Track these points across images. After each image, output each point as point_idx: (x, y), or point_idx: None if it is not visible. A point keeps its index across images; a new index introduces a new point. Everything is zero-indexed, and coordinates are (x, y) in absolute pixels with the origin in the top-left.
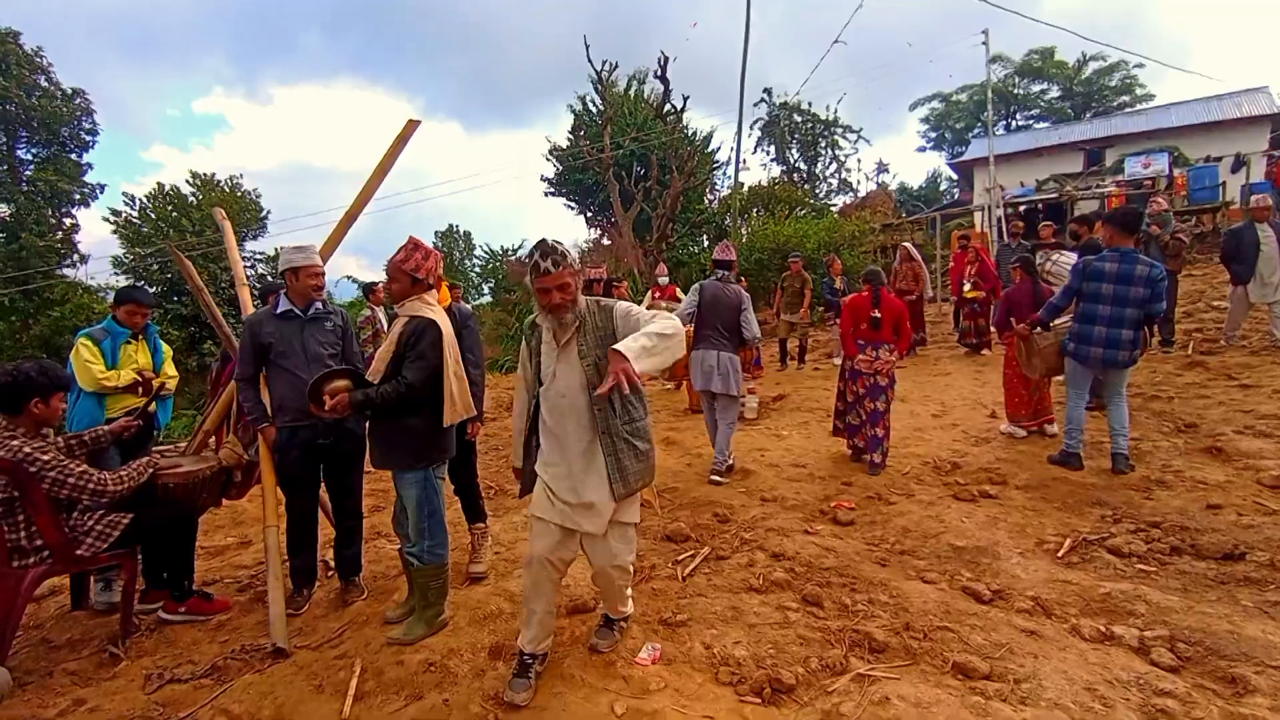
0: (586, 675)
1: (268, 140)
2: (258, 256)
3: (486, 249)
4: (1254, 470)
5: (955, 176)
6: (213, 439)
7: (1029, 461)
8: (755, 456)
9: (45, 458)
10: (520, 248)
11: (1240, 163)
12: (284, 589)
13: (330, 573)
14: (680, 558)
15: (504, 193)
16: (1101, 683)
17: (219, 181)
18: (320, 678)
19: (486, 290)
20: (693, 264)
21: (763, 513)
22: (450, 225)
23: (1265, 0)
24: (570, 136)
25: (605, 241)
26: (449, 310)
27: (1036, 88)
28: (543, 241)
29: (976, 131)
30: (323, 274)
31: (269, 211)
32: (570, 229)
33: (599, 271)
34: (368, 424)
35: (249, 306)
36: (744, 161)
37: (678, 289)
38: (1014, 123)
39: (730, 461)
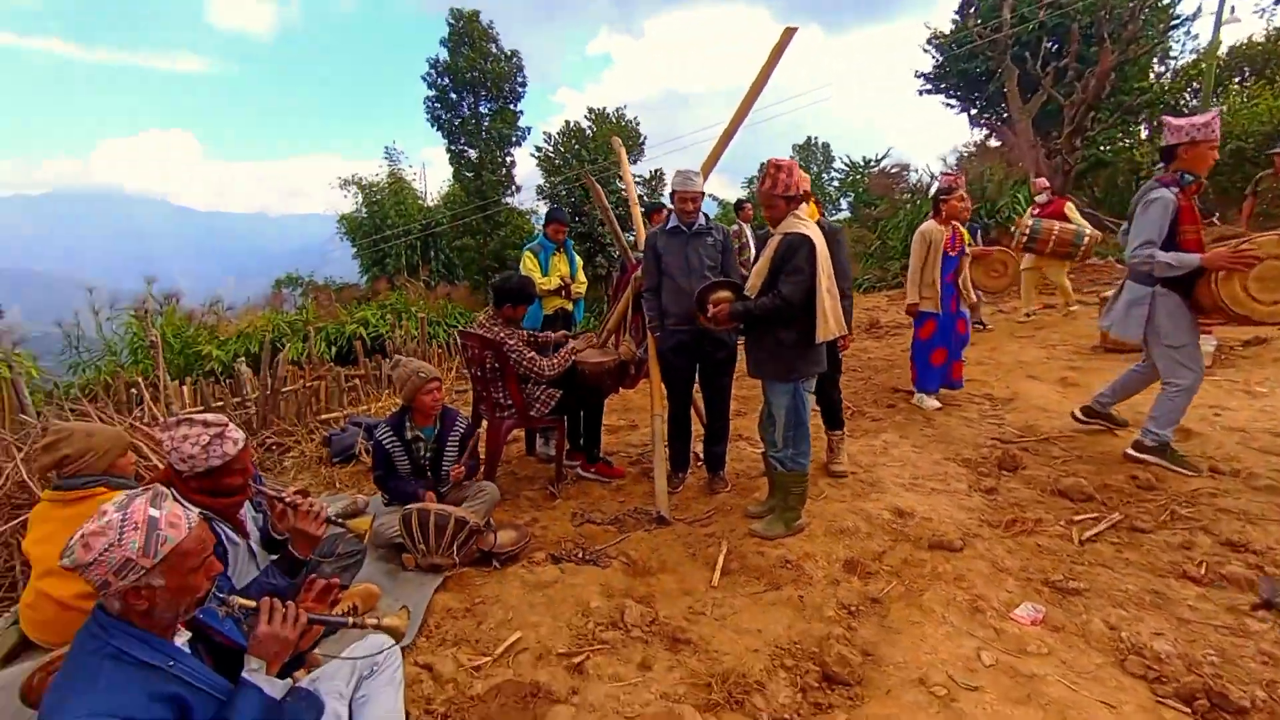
0: (949, 614)
1: (643, 72)
2: (636, 179)
3: (846, 160)
4: None
5: None
6: (612, 338)
7: None
8: (1204, 415)
9: (512, 342)
10: (884, 157)
11: None
12: (665, 469)
13: (699, 463)
14: (1079, 518)
15: (863, 99)
16: None
17: (608, 114)
18: (694, 548)
19: (845, 205)
20: (1120, 163)
21: (1212, 487)
22: (809, 138)
23: None
24: (956, 18)
25: (994, 143)
26: (818, 224)
27: None
28: None
29: None
30: (693, 197)
31: (646, 137)
32: (947, 132)
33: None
34: (742, 335)
35: (639, 221)
36: (1231, 9)
37: (1069, 204)
38: None
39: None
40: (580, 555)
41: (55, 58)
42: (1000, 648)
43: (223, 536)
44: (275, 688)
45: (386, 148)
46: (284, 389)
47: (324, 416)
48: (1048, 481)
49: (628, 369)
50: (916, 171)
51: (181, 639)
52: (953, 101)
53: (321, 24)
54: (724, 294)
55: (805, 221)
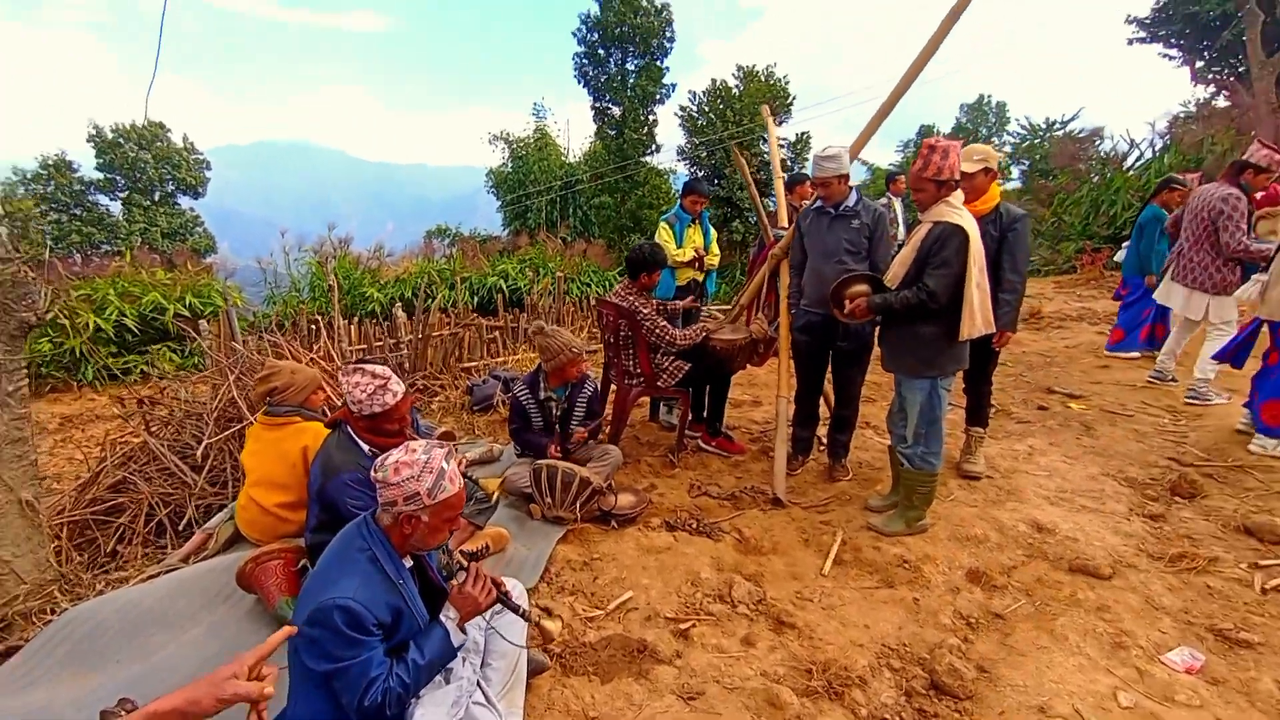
0: (1084, 645)
1: (797, 21)
2: (781, 142)
3: (1024, 123)
4: None
5: None
6: (744, 314)
7: None
8: None
9: (645, 311)
10: (1073, 119)
11: None
12: (786, 450)
13: (821, 447)
14: (1265, 562)
15: (1051, 51)
16: None
17: (757, 72)
18: (808, 534)
19: (1016, 174)
20: None
21: None
22: (980, 96)
23: None
24: None
25: (1221, 102)
26: (997, 210)
27: None
28: None
29: None
30: (824, 182)
31: (794, 97)
32: (1162, 90)
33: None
34: (878, 327)
35: (782, 196)
36: None
37: None
38: None
39: None
40: (694, 526)
41: (300, 26)
42: (1143, 690)
43: None
44: (458, 637)
45: (535, 104)
46: (433, 335)
47: (466, 364)
48: (1233, 516)
49: (758, 347)
50: (1111, 139)
51: (407, 563)
52: (1173, 52)
53: None
54: (860, 288)
55: (957, 210)
